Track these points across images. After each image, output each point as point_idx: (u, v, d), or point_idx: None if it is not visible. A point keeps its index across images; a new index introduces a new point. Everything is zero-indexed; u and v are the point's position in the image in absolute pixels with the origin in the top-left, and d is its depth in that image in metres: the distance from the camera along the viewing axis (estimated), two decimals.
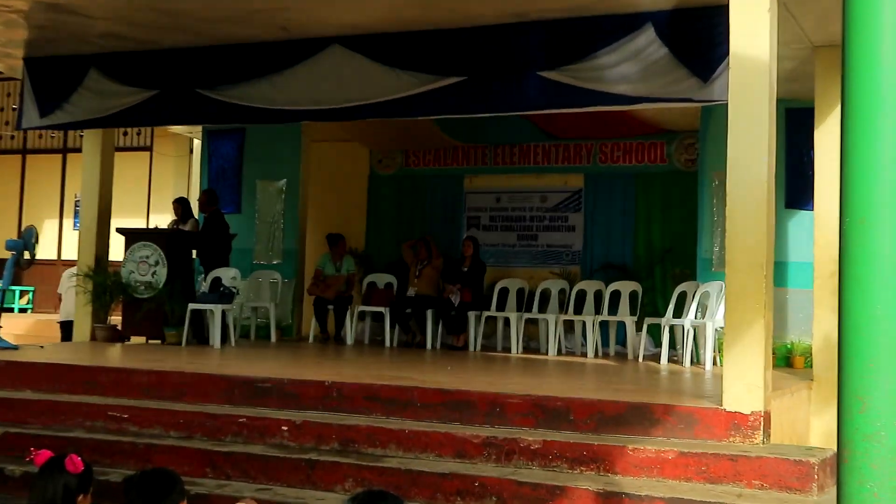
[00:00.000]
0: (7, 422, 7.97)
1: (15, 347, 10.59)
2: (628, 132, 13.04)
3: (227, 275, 11.92)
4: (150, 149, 18.98)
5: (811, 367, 9.57)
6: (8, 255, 11.18)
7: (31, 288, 19.14)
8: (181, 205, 12.68)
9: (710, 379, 9.05)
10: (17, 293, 18.83)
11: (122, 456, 7.27)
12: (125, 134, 18.65)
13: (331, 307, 12.73)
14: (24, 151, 20.14)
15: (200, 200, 12.60)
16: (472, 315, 12.19)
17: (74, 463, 4.16)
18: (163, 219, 16.84)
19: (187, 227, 12.35)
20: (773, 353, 8.91)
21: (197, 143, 16.88)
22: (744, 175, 6.78)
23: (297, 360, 10.60)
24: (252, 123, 12.17)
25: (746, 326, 6.63)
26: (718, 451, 6.22)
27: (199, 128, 14.73)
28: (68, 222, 19.42)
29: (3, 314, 11.84)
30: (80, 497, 4.17)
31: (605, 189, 13.53)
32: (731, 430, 6.51)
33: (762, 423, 6.48)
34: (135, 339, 11.96)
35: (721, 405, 6.61)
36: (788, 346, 10.83)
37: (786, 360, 10.79)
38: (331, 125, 12.61)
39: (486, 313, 12.23)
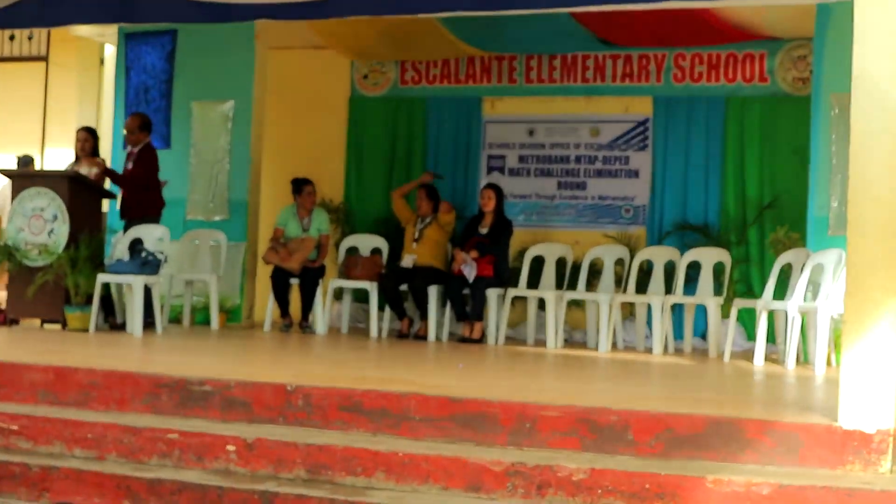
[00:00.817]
0: None
1: None
2: (715, 39, 13.03)
3: (152, 235, 11.98)
4: (45, 59, 18.98)
5: None
6: None
7: None
8: (91, 137, 12.67)
9: (821, 385, 9.12)
10: None
11: (10, 482, 7.34)
12: (11, 38, 18.66)
13: (295, 281, 12.81)
14: None
15: (129, 127, 12.52)
16: (492, 294, 12.27)
17: None
18: (63, 152, 16.88)
19: (91, 171, 12.29)
20: None
21: (110, 50, 16.88)
22: (875, 100, 6.79)
23: (249, 355, 10.68)
24: (186, 22, 12.16)
25: (874, 312, 6.68)
26: (831, 484, 6.29)
27: (112, 29, 14.73)
28: None
29: None
30: None
31: (682, 119, 13.56)
32: (850, 454, 6.58)
33: (891, 447, 6.55)
34: (26, 323, 12.08)
35: (836, 421, 6.68)
36: None
37: None
38: (296, 26, 12.61)
39: (512, 292, 12.30)
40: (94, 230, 11.99)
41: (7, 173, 12.25)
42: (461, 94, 14.42)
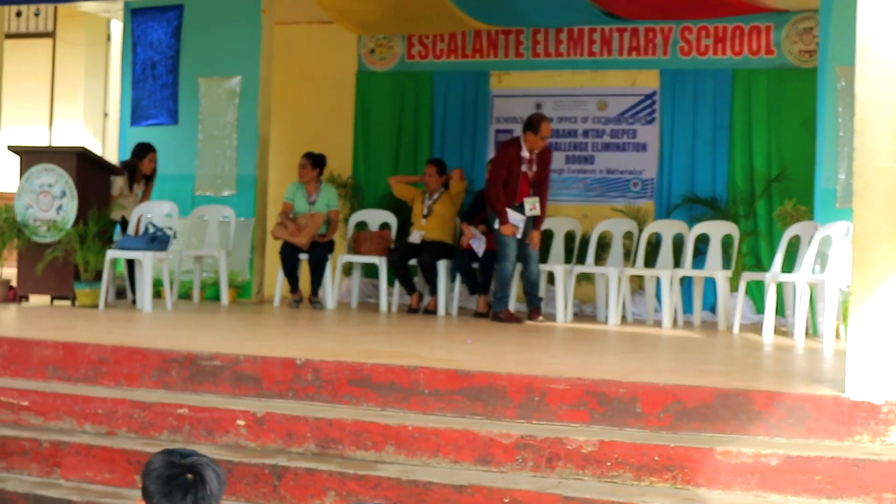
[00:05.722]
0: None
1: None
2: (721, 11, 13.01)
3: (161, 211, 12.01)
4: (52, 35, 18.98)
5: None
6: None
7: None
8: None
9: (829, 357, 9.15)
10: None
11: (20, 457, 7.38)
12: (18, 15, 18.65)
13: (304, 257, 12.82)
14: None
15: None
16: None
17: None
18: (71, 128, 16.87)
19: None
20: None
21: (117, 26, 16.89)
22: (879, 70, 6.78)
23: (258, 330, 10.71)
24: None
25: (881, 284, 6.69)
26: (839, 455, 6.31)
27: (119, 4, 14.74)
28: None
29: None
30: None
31: (689, 92, 13.52)
32: (858, 425, 6.59)
33: None
34: (35, 299, 12.11)
35: (844, 393, 6.70)
36: None
37: None
38: (302, 0, 12.59)
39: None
40: (102, 206, 12.00)
41: (14, 149, 12.25)
42: (468, 69, 14.40)
